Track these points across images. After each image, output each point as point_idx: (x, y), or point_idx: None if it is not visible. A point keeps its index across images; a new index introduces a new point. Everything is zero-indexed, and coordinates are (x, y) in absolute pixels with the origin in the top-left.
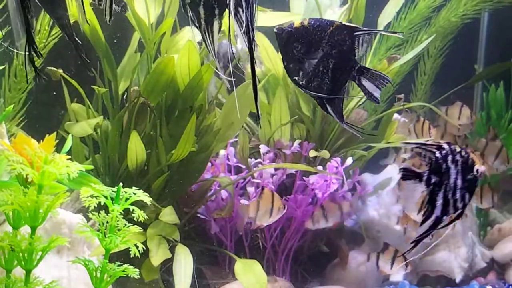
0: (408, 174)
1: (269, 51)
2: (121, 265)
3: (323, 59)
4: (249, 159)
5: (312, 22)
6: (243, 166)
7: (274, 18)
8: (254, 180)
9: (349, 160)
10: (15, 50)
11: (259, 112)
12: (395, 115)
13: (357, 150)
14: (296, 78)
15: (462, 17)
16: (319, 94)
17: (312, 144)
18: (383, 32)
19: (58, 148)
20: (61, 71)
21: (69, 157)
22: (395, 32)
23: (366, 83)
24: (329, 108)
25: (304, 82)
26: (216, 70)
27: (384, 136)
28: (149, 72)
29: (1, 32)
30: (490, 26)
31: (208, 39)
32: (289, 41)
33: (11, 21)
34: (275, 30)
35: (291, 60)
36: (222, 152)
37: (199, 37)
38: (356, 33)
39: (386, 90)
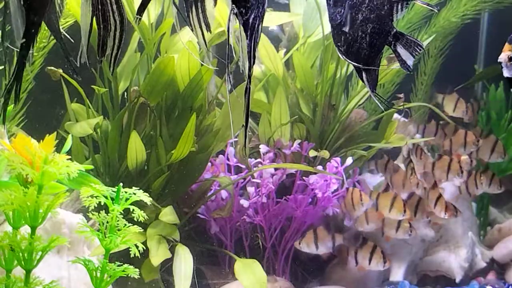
0: None
1: (269, 51)
2: (121, 265)
3: (363, 23)
4: (249, 159)
5: None
6: (243, 166)
7: (274, 18)
8: (254, 180)
9: (349, 160)
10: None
11: (248, 123)
12: (395, 115)
13: (357, 150)
14: (339, 44)
15: (462, 17)
16: (357, 64)
17: (312, 144)
18: (419, 2)
19: (58, 148)
20: (61, 71)
21: (69, 157)
22: (430, 5)
23: (401, 49)
24: (364, 75)
25: (344, 48)
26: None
27: (384, 136)
28: (149, 72)
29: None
30: (490, 26)
31: (197, 17)
32: (335, 5)
33: (11, 21)
34: None
35: (335, 27)
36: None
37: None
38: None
39: (386, 89)
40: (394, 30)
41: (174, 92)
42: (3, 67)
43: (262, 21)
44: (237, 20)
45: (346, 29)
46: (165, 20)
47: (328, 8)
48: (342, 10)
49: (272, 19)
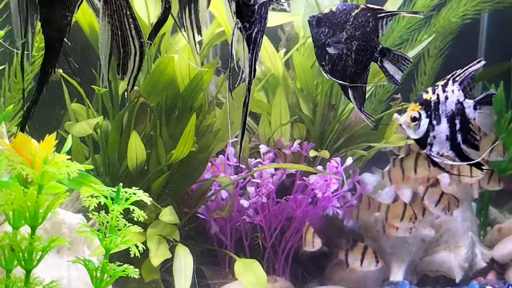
0: None
1: (269, 51)
2: (121, 265)
3: (347, 41)
4: (249, 159)
5: (339, 7)
6: (243, 166)
7: (274, 18)
8: (254, 180)
9: (349, 160)
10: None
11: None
12: (395, 115)
13: (357, 150)
14: (324, 63)
15: (462, 17)
16: (342, 82)
17: (312, 144)
18: (404, 13)
19: (58, 148)
20: (61, 71)
21: (69, 157)
22: (415, 13)
23: (388, 65)
24: (350, 93)
25: (329, 66)
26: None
27: (384, 136)
28: (149, 72)
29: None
30: (490, 26)
31: (190, 18)
32: (318, 26)
33: (11, 21)
34: (308, 19)
35: (319, 46)
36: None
37: (199, 37)
38: (379, 15)
39: (386, 89)
40: (380, 46)
41: (174, 92)
42: (3, 67)
43: (263, 35)
44: (241, 34)
45: (331, 49)
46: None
47: (310, 29)
48: (326, 30)
49: (272, 19)
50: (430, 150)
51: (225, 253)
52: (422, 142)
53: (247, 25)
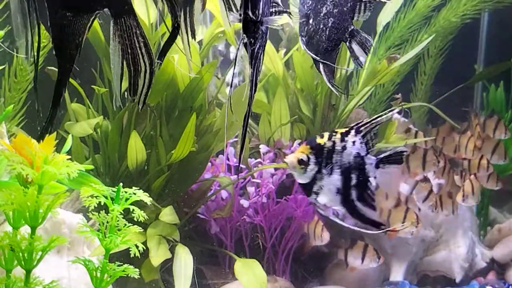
0: None
1: (269, 51)
2: (121, 265)
3: (325, 16)
4: (249, 159)
5: None
6: (243, 166)
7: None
8: (254, 180)
9: None
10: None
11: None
12: (395, 115)
13: None
14: (302, 34)
15: (462, 17)
16: (314, 56)
17: None
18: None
19: (58, 148)
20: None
21: (69, 157)
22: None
23: (355, 46)
24: (321, 67)
25: (306, 38)
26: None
27: (384, 136)
28: None
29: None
30: (490, 26)
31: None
32: None
33: (11, 21)
34: None
35: (301, 16)
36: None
37: (199, 37)
38: None
39: (386, 89)
40: (352, 27)
41: (174, 92)
42: (3, 67)
43: (264, 50)
44: (246, 50)
45: (310, 20)
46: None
47: (299, 1)
48: (310, 2)
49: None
50: (315, 199)
51: (225, 253)
52: (307, 188)
53: (252, 41)
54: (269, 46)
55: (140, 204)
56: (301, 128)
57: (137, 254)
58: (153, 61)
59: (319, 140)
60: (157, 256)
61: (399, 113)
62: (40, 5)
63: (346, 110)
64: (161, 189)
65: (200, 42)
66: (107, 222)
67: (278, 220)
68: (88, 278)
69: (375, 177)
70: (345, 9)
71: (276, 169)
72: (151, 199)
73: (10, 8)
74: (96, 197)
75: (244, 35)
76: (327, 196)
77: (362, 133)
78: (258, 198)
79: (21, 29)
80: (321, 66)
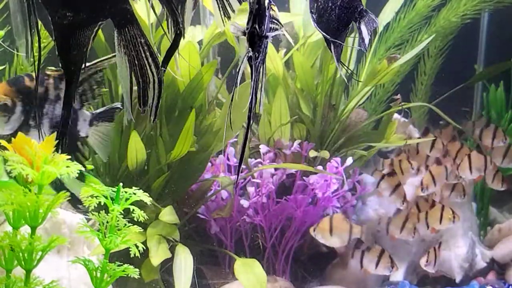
0: None
1: (269, 51)
2: (121, 265)
3: None
4: (249, 159)
5: None
6: (244, 166)
7: None
8: (254, 180)
9: (349, 160)
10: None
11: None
12: (395, 115)
13: (357, 150)
14: (312, 11)
15: (462, 17)
16: (325, 35)
17: (312, 144)
18: None
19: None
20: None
21: (69, 157)
22: None
23: (363, 27)
24: (332, 47)
25: (316, 16)
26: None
27: (384, 136)
28: None
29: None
30: (490, 26)
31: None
32: None
33: (11, 21)
34: None
35: None
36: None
37: (199, 37)
38: None
39: (386, 89)
40: (361, 7)
41: (174, 92)
42: (3, 67)
43: (264, 63)
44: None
45: None
46: (165, 20)
47: None
48: None
49: None
50: None
51: (225, 253)
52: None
53: (257, 55)
54: (269, 46)
55: (140, 204)
56: (301, 128)
57: (137, 254)
58: (160, 70)
59: (28, 83)
60: (157, 256)
61: (399, 113)
62: (40, 8)
63: (346, 110)
64: (161, 189)
65: (200, 42)
66: (107, 222)
67: (278, 220)
68: (88, 278)
69: (86, 136)
70: None
71: (276, 169)
72: (151, 199)
73: (10, 8)
74: (96, 197)
75: (249, 48)
76: None
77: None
78: (258, 198)
79: (21, 29)
80: (332, 46)
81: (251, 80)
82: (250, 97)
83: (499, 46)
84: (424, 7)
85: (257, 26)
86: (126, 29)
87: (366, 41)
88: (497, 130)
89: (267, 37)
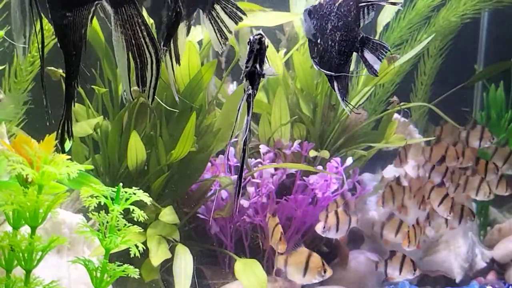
0: None
1: (269, 51)
2: (121, 265)
3: (331, 32)
4: (249, 159)
5: None
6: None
7: (274, 18)
8: (254, 180)
9: (349, 160)
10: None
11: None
12: (395, 115)
13: (357, 150)
14: (313, 56)
15: (462, 17)
16: (329, 72)
17: (312, 144)
18: (383, 3)
19: (58, 148)
20: (61, 71)
21: (69, 157)
22: (394, 3)
23: (368, 54)
24: (335, 84)
25: (318, 59)
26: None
27: (384, 136)
28: None
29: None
30: (490, 26)
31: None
32: (309, 18)
33: (11, 21)
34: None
35: (310, 40)
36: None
37: (199, 37)
38: (361, 4)
39: (386, 89)
40: (361, 35)
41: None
42: (3, 67)
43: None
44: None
45: (318, 40)
46: None
47: (304, 24)
48: (315, 22)
49: (272, 19)
50: None
51: (225, 253)
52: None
53: (255, 92)
54: (269, 46)
55: (140, 204)
56: (301, 128)
57: (137, 254)
58: (158, 50)
59: None
60: (157, 256)
61: (398, 113)
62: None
63: (346, 110)
64: (161, 189)
65: (200, 42)
66: (107, 222)
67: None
68: (88, 278)
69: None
70: (349, 19)
71: (276, 169)
72: (151, 199)
73: (10, 7)
74: (96, 197)
75: (249, 86)
76: None
77: None
78: (258, 198)
79: (21, 25)
80: (335, 84)
81: (247, 115)
82: (244, 132)
83: (499, 46)
84: (424, 7)
85: (258, 66)
86: (123, 9)
87: (376, 67)
88: (483, 131)
89: (264, 75)
